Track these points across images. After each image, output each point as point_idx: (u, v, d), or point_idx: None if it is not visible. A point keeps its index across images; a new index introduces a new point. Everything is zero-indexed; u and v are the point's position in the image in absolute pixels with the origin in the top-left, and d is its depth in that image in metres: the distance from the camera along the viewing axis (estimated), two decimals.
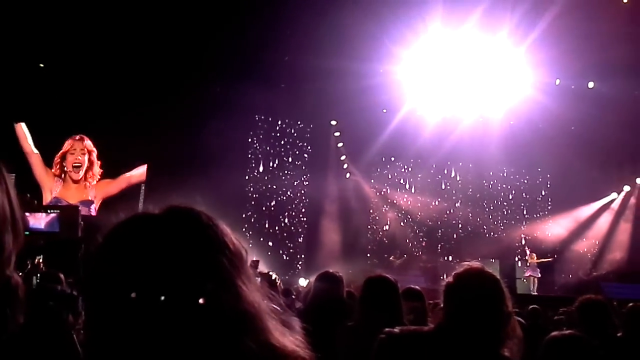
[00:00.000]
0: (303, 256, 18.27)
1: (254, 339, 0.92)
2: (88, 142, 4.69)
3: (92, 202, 4.80)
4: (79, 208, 3.35)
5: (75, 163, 4.19)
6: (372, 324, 2.86)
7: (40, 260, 3.00)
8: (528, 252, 17.26)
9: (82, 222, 3.15)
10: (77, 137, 5.15)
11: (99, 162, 5.54)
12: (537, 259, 16.77)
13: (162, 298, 0.87)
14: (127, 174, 6.58)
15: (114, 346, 0.88)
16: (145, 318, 0.87)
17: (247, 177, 17.60)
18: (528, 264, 16.93)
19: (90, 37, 11.37)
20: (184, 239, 0.92)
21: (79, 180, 4.23)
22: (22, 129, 5.92)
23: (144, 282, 0.87)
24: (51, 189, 4.60)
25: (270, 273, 6.28)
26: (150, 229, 0.93)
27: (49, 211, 3.18)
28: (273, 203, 18.19)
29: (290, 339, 0.99)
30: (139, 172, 6.87)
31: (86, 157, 4.29)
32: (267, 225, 17.68)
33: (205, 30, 12.20)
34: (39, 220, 3.03)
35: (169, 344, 0.86)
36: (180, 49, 12.40)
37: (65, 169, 4.96)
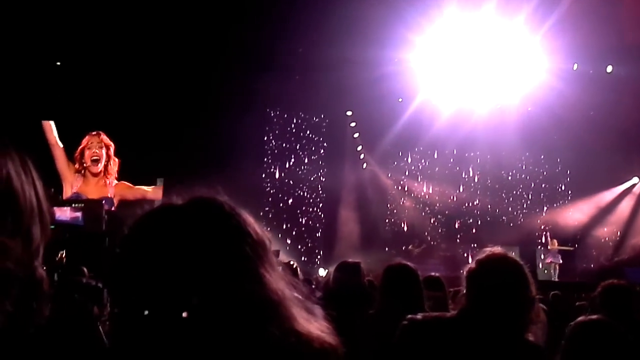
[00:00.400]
0: (322, 248, 18.30)
1: (279, 326, 0.93)
2: (105, 137, 4.73)
3: (111, 199, 4.87)
4: (103, 202, 3.39)
5: (93, 157, 4.23)
6: (393, 312, 2.86)
7: (63, 255, 3.04)
8: (549, 239, 17.10)
9: (106, 216, 3.18)
10: (94, 132, 5.21)
11: (116, 160, 5.61)
12: (558, 245, 16.62)
13: (186, 289, 0.88)
14: (145, 188, 6.67)
15: (138, 336, 0.90)
16: (171, 309, 0.88)
17: (263, 173, 17.62)
18: (549, 250, 16.77)
19: (100, 33, 11.41)
20: (207, 229, 0.93)
21: (98, 173, 4.28)
22: (50, 123, 6.04)
23: (168, 273, 0.89)
24: (72, 183, 4.66)
25: (292, 262, 6.30)
26: (174, 220, 0.95)
27: (73, 205, 3.22)
28: (290, 197, 18.22)
29: (315, 325, 1.00)
30: (156, 191, 6.93)
31: (104, 150, 4.33)
32: (285, 219, 17.71)
33: (219, 23, 12.20)
34: (64, 214, 3.07)
35: (194, 334, 0.87)
36: (194, 43, 12.42)
37: (85, 164, 5.05)
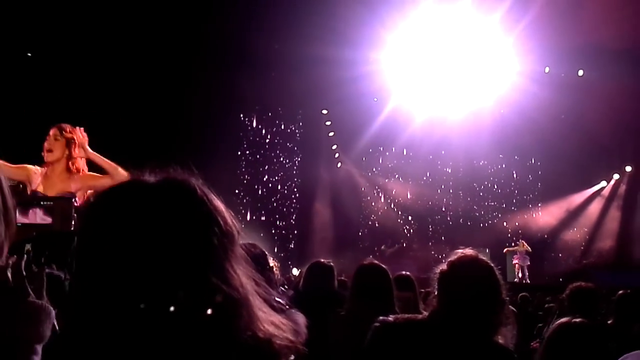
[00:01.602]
0: (296, 247, 18.28)
1: (239, 325, 0.90)
2: (67, 129, 4.51)
3: (73, 194, 4.71)
4: (73, 200, 3.31)
5: (48, 148, 4.11)
6: (363, 312, 2.85)
7: (29, 249, 2.97)
8: (520, 240, 17.24)
9: (75, 215, 3.11)
10: (57, 125, 4.95)
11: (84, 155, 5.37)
12: (525, 246, 16.66)
13: (146, 276, 0.84)
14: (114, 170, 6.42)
15: (95, 319, 0.86)
16: (127, 284, 0.84)
17: (237, 171, 17.51)
18: (518, 251, 16.86)
19: (72, 28, 11.23)
20: (176, 212, 0.89)
21: (52, 164, 4.14)
22: None
23: (128, 251, 0.85)
24: (30, 182, 4.46)
25: (271, 264, 6.22)
26: (141, 197, 0.90)
27: (42, 202, 3.14)
28: (264, 193, 18.16)
29: (276, 323, 0.97)
30: (124, 175, 6.71)
31: (62, 142, 4.14)
32: (259, 217, 17.65)
33: (195, 20, 12.10)
34: (31, 212, 3.00)
35: (149, 325, 0.84)
36: (170, 38, 12.29)
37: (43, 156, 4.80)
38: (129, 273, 0.84)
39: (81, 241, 0.91)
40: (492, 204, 19.44)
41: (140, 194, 0.91)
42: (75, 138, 4.20)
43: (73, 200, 3.34)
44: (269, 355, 0.92)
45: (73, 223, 3.10)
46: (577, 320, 2.40)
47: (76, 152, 4.16)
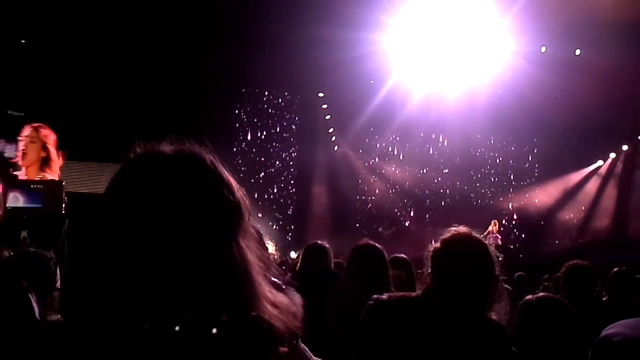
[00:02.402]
0: (293, 230, 18.31)
1: (242, 300, 0.90)
2: (45, 131, 4.34)
3: None
4: (64, 183, 3.28)
5: (22, 150, 4.02)
6: (358, 292, 2.87)
7: (26, 235, 2.97)
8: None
9: (66, 198, 3.10)
10: (34, 125, 4.70)
11: (59, 153, 5.02)
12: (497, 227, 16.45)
13: (160, 241, 0.86)
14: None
15: (102, 286, 0.87)
16: (141, 252, 0.86)
17: (234, 150, 17.48)
18: (489, 232, 16.50)
19: (65, 11, 11.12)
20: (189, 180, 0.93)
21: (28, 167, 4.03)
22: None
23: (146, 220, 0.87)
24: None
25: (269, 249, 6.27)
26: (159, 166, 0.94)
27: (32, 186, 3.13)
28: (261, 176, 18.15)
29: (278, 304, 0.96)
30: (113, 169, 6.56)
31: (38, 145, 4.02)
32: (256, 199, 17.64)
33: (192, 2, 12.00)
34: (22, 195, 2.99)
35: (156, 285, 0.85)
36: (168, 22, 12.19)
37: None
38: (143, 240, 0.87)
39: (104, 210, 0.93)
40: (489, 184, 19.47)
41: (156, 163, 0.94)
42: (50, 142, 4.10)
43: (63, 183, 3.32)
44: (270, 338, 0.91)
45: (64, 206, 3.09)
46: (540, 295, 2.46)
47: (51, 152, 4.06)
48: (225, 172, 0.99)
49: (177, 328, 0.84)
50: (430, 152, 19.34)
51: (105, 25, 11.64)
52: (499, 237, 16.28)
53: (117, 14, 11.60)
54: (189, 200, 0.90)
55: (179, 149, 0.97)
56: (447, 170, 19.32)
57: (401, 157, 19.34)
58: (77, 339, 0.86)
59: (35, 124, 4.20)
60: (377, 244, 3.59)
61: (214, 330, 0.85)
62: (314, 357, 1.06)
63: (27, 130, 4.12)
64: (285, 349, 0.93)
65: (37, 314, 2.33)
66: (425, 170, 19.29)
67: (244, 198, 0.99)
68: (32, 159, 4.05)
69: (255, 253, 0.96)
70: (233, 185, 0.98)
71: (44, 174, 4.02)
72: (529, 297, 2.65)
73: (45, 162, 4.09)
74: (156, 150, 0.97)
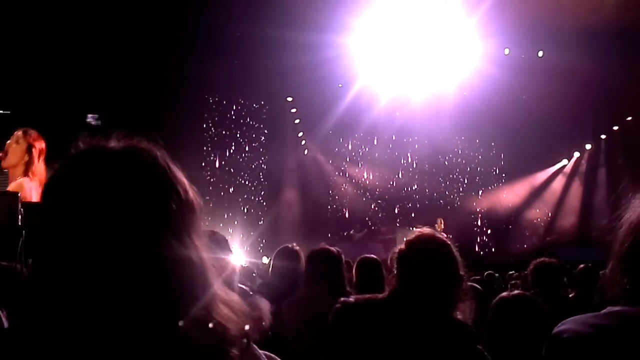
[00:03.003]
0: (264, 236, 18.20)
1: (190, 297, 0.87)
2: (34, 136, 4.24)
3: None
4: (19, 195, 3.18)
5: (5, 150, 3.91)
6: (314, 296, 2.87)
7: None
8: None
9: (22, 209, 3.01)
10: (25, 128, 4.60)
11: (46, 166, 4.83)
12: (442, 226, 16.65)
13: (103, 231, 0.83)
14: None
15: (54, 285, 0.83)
16: (89, 252, 0.82)
17: (202, 161, 17.28)
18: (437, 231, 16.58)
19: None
20: (135, 176, 0.88)
21: (11, 169, 3.92)
22: None
23: (89, 217, 0.83)
24: None
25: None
26: (103, 162, 0.89)
27: None
28: (231, 184, 18.00)
29: (233, 305, 0.94)
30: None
31: (22, 148, 3.91)
32: (226, 208, 17.49)
33: (155, 6, 11.86)
34: None
35: (105, 287, 0.82)
36: (131, 27, 12.02)
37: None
38: (88, 235, 0.83)
39: (44, 208, 0.89)
40: (457, 186, 19.68)
41: (101, 158, 0.90)
42: (36, 145, 4.00)
43: (19, 194, 3.22)
44: (220, 340, 0.88)
45: (20, 218, 2.99)
46: (515, 292, 2.50)
47: (35, 157, 3.95)
48: (177, 170, 0.95)
49: (124, 329, 0.81)
50: (399, 155, 19.48)
51: (71, 23, 11.43)
52: (445, 235, 16.38)
53: (81, 17, 11.41)
54: (136, 197, 0.86)
55: (127, 145, 0.93)
56: (416, 174, 19.49)
57: (370, 161, 19.43)
58: (19, 347, 0.82)
59: (26, 128, 4.09)
60: (332, 247, 3.60)
61: (180, 324, 0.83)
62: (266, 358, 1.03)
63: (16, 132, 4.02)
64: (236, 352, 0.90)
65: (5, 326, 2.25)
66: (394, 174, 19.43)
67: (196, 197, 0.96)
68: (12, 160, 3.94)
69: (209, 253, 0.93)
70: (184, 183, 0.94)
71: (26, 178, 3.92)
72: (504, 294, 2.67)
73: (28, 168, 3.99)
74: (101, 144, 0.93)
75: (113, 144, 0.93)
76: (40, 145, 4.09)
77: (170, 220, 0.88)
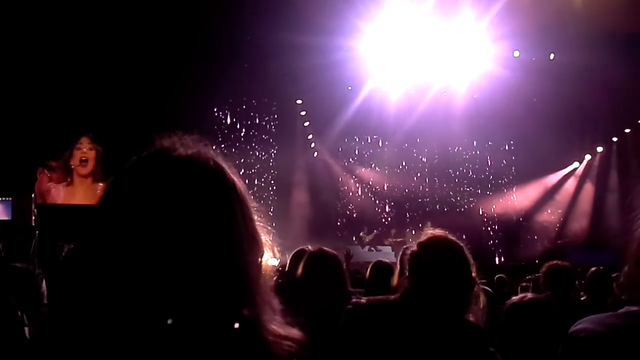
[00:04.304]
0: (273, 238, 18.19)
1: (255, 318, 0.87)
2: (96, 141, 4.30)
3: None
4: (33, 196, 3.21)
5: (82, 158, 3.94)
6: (313, 299, 2.87)
7: (1, 249, 2.90)
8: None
9: (35, 210, 3.03)
10: (88, 134, 4.63)
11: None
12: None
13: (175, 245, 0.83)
14: None
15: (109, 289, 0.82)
16: (147, 253, 0.82)
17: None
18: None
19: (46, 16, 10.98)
20: (204, 186, 0.90)
21: (86, 175, 3.94)
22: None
23: (155, 221, 0.83)
24: (49, 197, 4.12)
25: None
26: (172, 168, 0.90)
27: (1, 199, 3.06)
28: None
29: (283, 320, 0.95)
30: None
31: (94, 153, 3.96)
32: None
33: (166, 10, 11.92)
34: None
35: (159, 286, 0.81)
36: (142, 30, 12.09)
37: (72, 166, 4.35)
38: (149, 239, 0.82)
39: (105, 210, 0.88)
40: (468, 189, 19.60)
41: (171, 165, 0.91)
42: (101, 149, 4.06)
43: (32, 196, 3.25)
44: (275, 357, 0.88)
45: (33, 219, 3.02)
46: (529, 296, 2.47)
47: (101, 160, 4.01)
48: (240, 180, 0.98)
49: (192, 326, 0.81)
50: (409, 157, 19.43)
51: (84, 34, 11.52)
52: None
53: (94, 23, 11.49)
54: (208, 204, 0.88)
55: (196, 151, 0.96)
56: (427, 176, 19.43)
57: (381, 163, 19.40)
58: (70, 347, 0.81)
59: (91, 135, 4.14)
60: (329, 250, 3.57)
61: (237, 325, 0.84)
62: None
63: (82, 139, 4.04)
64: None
65: (27, 333, 2.26)
66: (404, 176, 19.38)
67: (251, 198, 0.98)
68: (90, 168, 3.99)
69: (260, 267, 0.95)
70: (242, 187, 0.98)
71: (97, 185, 3.95)
72: (516, 297, 2.64)
73: (96, 172, 4.03)
74: (170, 148, 0.95)
75: (180, 149, 0.95)
76: (101, 148, 4.17)
77: (237, 225, 0.89)
